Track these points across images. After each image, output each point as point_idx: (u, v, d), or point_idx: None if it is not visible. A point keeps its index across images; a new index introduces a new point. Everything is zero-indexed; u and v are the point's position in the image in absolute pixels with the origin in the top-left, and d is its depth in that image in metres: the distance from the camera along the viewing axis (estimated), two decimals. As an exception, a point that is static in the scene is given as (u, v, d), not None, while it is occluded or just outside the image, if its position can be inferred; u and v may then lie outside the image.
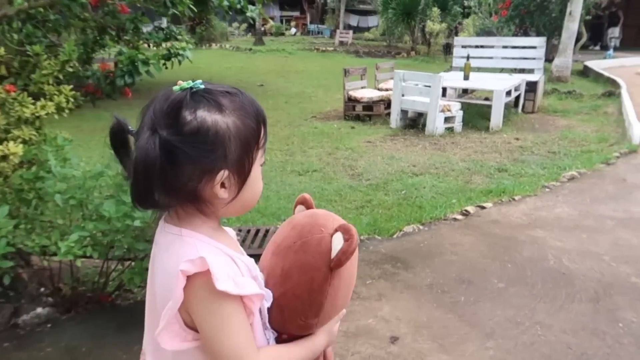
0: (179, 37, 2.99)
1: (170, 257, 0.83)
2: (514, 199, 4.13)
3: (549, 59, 12.58)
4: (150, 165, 0.77)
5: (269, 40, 21.45)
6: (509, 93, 7.51)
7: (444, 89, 7.33)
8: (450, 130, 6.75)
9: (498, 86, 7.06)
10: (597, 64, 14.63)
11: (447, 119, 6.76)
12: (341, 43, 20.56)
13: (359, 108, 7.55)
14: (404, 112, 6.98)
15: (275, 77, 12.61)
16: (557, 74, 11.27)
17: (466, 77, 7.85)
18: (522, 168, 5.14)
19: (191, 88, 0.81)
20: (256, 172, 0.88)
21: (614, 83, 10.94)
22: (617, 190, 4.42)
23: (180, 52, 2.76)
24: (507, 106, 8.19)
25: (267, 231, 3.45)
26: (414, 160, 5.42)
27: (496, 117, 6.95)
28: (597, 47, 21.58)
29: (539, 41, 8.83)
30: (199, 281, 0.78)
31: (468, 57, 8.07)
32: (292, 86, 11.08)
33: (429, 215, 3.77)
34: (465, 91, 7.61)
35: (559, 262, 3.02)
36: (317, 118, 7.78)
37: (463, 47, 9.41)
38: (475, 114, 7.39)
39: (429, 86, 6.59)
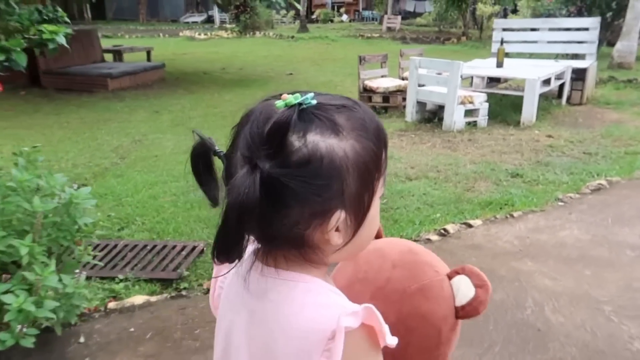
0: (58, 18, 2.46)
1: (297, 311, 0.64)
2: (512, 216, 3.33)
3: (611, 43, 11.15)
4: (248, 211, 0.57)
5: (315, 28, 20.82)
6: (547, 82, 6.50)
7: (472, 79, 6.44)
8: (472, 125, 5.88)
9: (531, 74, 6.08)
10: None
11: (469, 112, 5.90)
12: (389, 29, 19.57)
13: (375, 99, 6.81)
14: (421, 105, 6.18)
15: (309, 66, 12.03)
16: (618, 60, 9.88)
17: (499, 64, 6.87)
18: (543, 173, 4.27)
19: (299, 104, 0.60)
20: (375, 207, 0.68)
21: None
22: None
23: (50, 37, 2.22)
24: (547, 97, 7.19)
25: (193, 248, 2.91)
26: (415, 160, 4.67)
27: (528, 110, 5.99)
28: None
29: (592, 22, 7.63)
30: (360, 335, 0.61)
31: (502, 42, 7.07)
32: (322, 75, 10.45)
33: (399, 234, 3.08)
34: (497, 80, 6.64)
35: (538, 312, 2.26)
36: (331, 110, 7.13)
37: (504, 30, 8.37)
38: (509, 107, 6.44)
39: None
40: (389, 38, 17.99)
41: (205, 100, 7.86)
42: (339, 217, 0.62)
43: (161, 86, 9.30)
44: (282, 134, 0.58)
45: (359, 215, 0.65)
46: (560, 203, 3.54)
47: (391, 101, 6.64)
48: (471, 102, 5.83)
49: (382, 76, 7.20)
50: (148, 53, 11.48)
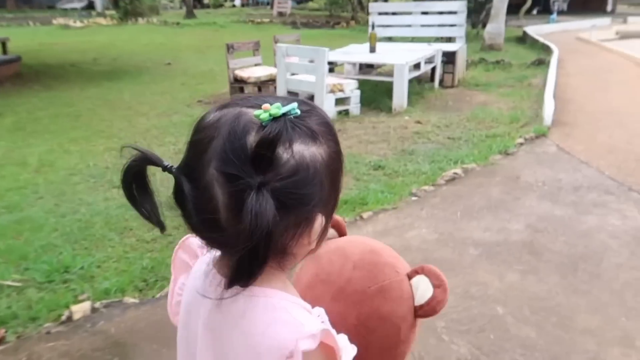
0: None
1: (257, 328, 0.61)
2: (361, 217, 3.08)
3: (483, 24, 11.57)
4: (269, 232, 0.54)
5: (204, 13, 19.81)
6: (417, 66, 6.44)
7: (332, 67, 6.19)
8: (344, 113, 5.65)
9: (400, 59, 5.96)
10: (537, 30, 13.74)
11: (341, 101, 5.66)
12: (280, 14, 19.11)
13: (248, 90, 6.37)
14: (292, 94, 5.83)
15: (191, 54, 11.27)
16: (489, 42, 10.26)
17: (372, 49, 6.71)
18: (405, 164, 4.10)
19: (285, 114, 0.57)
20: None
21: (548, 50, 10.00)
22: (502, 195, 3.43)
23: None
24: (421, 81, 7.17)
25: None
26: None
27: (398, 96, 5.87)
28: (535, 12, 20.60)
29: (460, 5, 7.71)
30: (316, 355, 0.59)
31: (373, 26, 6.91)
32: (203, 64, 9.78)
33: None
34: (371, 66, 6.47)
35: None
36: (203, 103, 6.57)
37: (380, 14, 8.26)
38: (384, 93, 6.28)
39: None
40: (280, 23, 17.53)
41: (63, 98, 6.95)
42: (321, 221, 0.62)
43: (14, 82, 8.14)
44: (273, 148, 0.56)
45: (329, 217, 0.65)
46: (414, 198, 3.36)
47: (263, 92, 6.22)
48: (341, 90, 5.58)
49: (256, 65, 6.75)
50: (2, 44, 10.05)
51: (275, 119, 0.57)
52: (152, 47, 12.52)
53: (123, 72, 9.18)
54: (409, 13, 8.11)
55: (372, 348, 0.78)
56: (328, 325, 0.62)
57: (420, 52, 6.68)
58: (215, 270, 0.66)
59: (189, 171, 0.59)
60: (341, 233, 0.93)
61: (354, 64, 6.06)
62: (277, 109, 0.57)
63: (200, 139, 0.59)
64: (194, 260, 0.77)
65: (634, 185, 3.59)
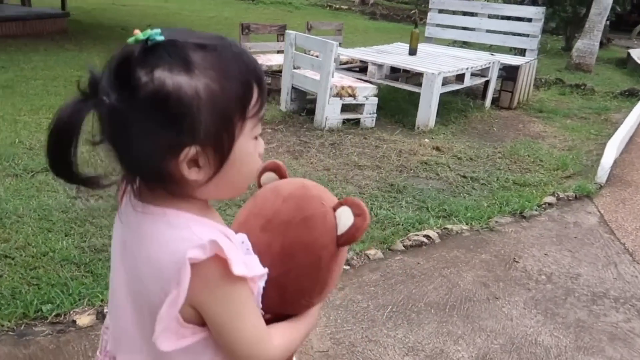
0: None
1: (159, 243, 0.65)
2: None
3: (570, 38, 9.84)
4: (68, 133, 0.59)
5: (286, -7, 19.13)
6: (460, 79, 5.25)
7: (364, 66, 5.16)
8: (354, 123, 4.64)
9: (432, 67, 4.82)
10: (646, 53, 11.56)
11: (352, 108, 4.66)
12: (363, 2, 17.99)
13: (261, 78, 5.54)
14: (299, 92, 4.91)
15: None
16: (577, 60, 8.60)
17: (412, 51, 5.60)
18: (380, 205, 3.07)
19: (147, 40, 0.60)
20: (245, 147, 0.67)
21: (651, 80, 8.20)
22: (475, 287, 2.33)
23: None
24: (469, 96, 5.96)
25: None
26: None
27: (424, 111, 4.75)
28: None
29: (536, 12, 6.32)
30: (209, 268, 0.63)
31: (416, 24, 5.76)
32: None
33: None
34: (406, 72, 5.37)
35: None
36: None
37: (440, 12, 7.04)
38: (414, 106, 5.16)
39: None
40: (359, 12, 16.46)
41: (81, 61, 6.52)
42: (188, 152, 0.62)
43: (53, 38, 7.89)
44: (127, 67, 0.58)
45: (219, 153, 0.64)
46: (345, 267, 2.36)
47: (272, 83, 5.35)
48: (352, 95, 4.58)
49: (278, 52, 5.89)
50: (62, -1, 9.95)
51: (138, 42, 0.60)
52: (216, 21, 12.07)
53: (166, 41, 8.71)
54: (474, 14, 6.82)
55: (292, 274, 0.81)
56: (220, 240, 0.62)
57: (468, 61, 5.47)
58: (129, 194, 0.70)
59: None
60: (281, 176, 0.92)
61: (379, 66, 5.01)
62: (142, 34, 0.60)
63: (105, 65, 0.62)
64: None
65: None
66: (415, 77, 5.33)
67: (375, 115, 4.77)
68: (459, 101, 5.74)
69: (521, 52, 6.93)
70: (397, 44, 6.40)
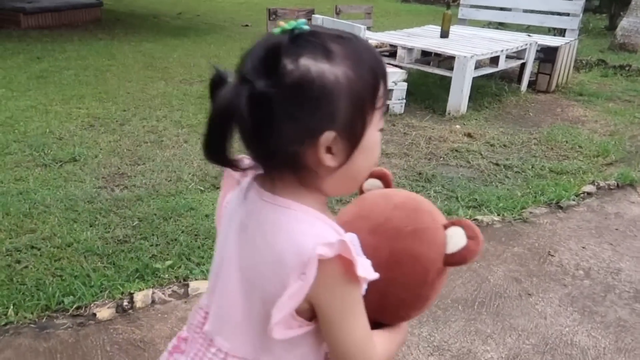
0: None
1: (284, 235, 0.67)
2: None
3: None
4: (228, 117, 0.61)
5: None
6: (495, 61, 5.02)
7: (394, 51, 4.98)
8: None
9: (464, 50, 4.61)
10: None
11: (380, 93, 4.51)
12: (395, -16, 17.50)
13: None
14: (326, 77, 4.80)
15: (277, 18, 10.53)
16: (621, 40, 8.11)
17: (444, 34, 5.38)
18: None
19: (293, 30, 0.63)
20: (372, 137, 0.69)
21: (701, 59, 7.66)
22: (505, 282, 2.20)
23: None
24: (503, 80, 5.71)
25: None
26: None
27: (455, 96, 4.57)
28: None
29: (577, -11, 5.97)
30: (333, 266, 0.64)
31: (448, 6, 5.51)
32: (281, 29, 8.99)
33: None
34: (438, 55, 5.16)
35: None
36: (240, 73, 5.79)
37: (475, -8, 6.74)
38: (446, 91, 4.96)
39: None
40: (391, -6, 16.06)
41: (112, 50, 6.56)
42: (329, 137, 0.64)
43: (87, 28, 8.00)
44: (275, 56, 0.61)
45: (352, 140, 0.66)
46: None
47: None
48: (381, 81, 4.43)
49: (307, 37, 5.78)
50: (97, -13, 10.08)
51: (284, 33, 0.63)
52: (246, 7, 12.02)
53: (197, 29, 8.71)
54: (511, -6, 6.49)
55: (397, 283, 0.79)
56: (349, 240, 0.63)
57: (503, 43, 5.21)
58: (253, 182, 0.72)
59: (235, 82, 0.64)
60: (387, 185, 0.92)
61: (409, 50, 4.83)
62: (288, 25, 0.63)
63: (244, 56, 0.64)
64: (244, 179, 0.78)
65: None
66: (447, 61, 5.13)
67: (405, 101, 4.61)
68: (493, 85, 5.49)
69: (561, 32, 6.57)
70: (429, 26, 6.18)
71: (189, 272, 2.15)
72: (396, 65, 4.80)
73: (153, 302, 1.91)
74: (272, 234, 0.68)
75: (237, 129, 0.63)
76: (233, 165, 0.67)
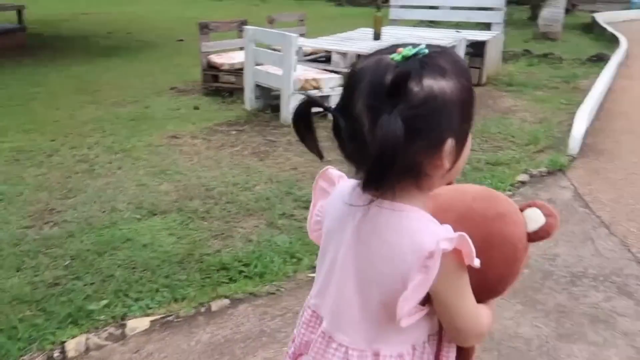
0: None
1: (402, 235, 0.75)
2: (209, 310, 2.02)
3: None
4: (397, 146, 0.67)
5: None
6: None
7: (329, 56, 4.99)
8: (322, 116, 4.45)
9: (396, 52, 4.68)
10: (612, 17, 11.58)
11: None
12: (328, -11, 17.66)
13: (225, 78, 5.36)
14: (263, 89, 4.74)
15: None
16: (543, 29, 8.54)
17: (376, 36, 5.45)
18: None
19: (415, 54, 0.71)
20: (469, 138, 0.79)
21: (616, 42, 8.16)
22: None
23: None
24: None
25: None
26: (192, 176, 3.29)
27: (392, 97, 4.61)
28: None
29: (498, -15, 6.20)
30: (451, 258, 0.73)
31: (378, 7, 5.60)
32: (217, 42, 8.83)
33: None
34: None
35: None
36: (176, 90, 5.63)
37: (403, -8, 6.88)
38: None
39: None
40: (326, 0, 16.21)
41: (37, 75, 6.23)
42: (451, 144, 0.72)
43: (11, 55, 7.54)
44: (405, 81, 0.68)
45: (462, 142, 0.76)
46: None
47: (236, 82, 5.16)
48: (317, 87, 4.42)
49: (241, 48, 5.69)
50: (18, 12, 9.55)
51: (407, 59, 0.70)
52: (180, 22, 11.75)
53: (129, 48, 8.43)
54: (437, -8, 6.68)
55: (493, 263, 0.85)
56: (464, 233, 0.71)
57: (434, 41, 5.31)
58: (359, 188, 0.76)
59: (343, 109, 0.74)
60: (449, 184, 0.93)
61: (343, 54, 4.86)
62: (408, 51, 0.70)
63: (351, 83, 0.73)
64: (332, 188, 0.89)
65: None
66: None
67: (343, 105, 4.62)
68: (428, 82, 5.61)
69: (488, 26, 6.82)
70: (362, 29, 6.24)
71: (126, 309, 2.04)
72: (332, 71, 4.80)
73: (87, 349, 1.79)
74: (390, 235, 0.75)
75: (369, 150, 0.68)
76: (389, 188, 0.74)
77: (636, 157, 3.58)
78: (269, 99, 4.82)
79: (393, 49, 0.72)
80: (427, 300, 0.77)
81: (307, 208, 2.57)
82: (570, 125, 4.11)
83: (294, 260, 2.39)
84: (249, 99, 4.74)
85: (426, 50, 0.70)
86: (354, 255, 0.79)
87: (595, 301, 2.19)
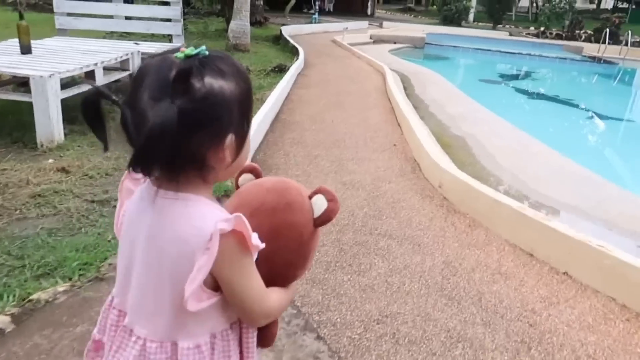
0: None
1: (185, 221, 0.80)
2: None
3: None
4: (167, 132, 0.71)
5: None
6: (91, 75, 4.40)
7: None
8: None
9: (44, 68, 3.84)
10: (296, 29, 12.88)
11: None
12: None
13: None
14: None
15: None
16: (234, 41, 8.73)
17: (25, 49, 4.42)
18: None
19: (197, 54, 0.78)
20: (248, 134, 0.88)
21: (297, 53, 8.92)
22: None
23: None
24: (121, 94, 5.12)
25: None
26: None
27: (44, 124, 3.75)
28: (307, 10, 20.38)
29: (171, -5, 5.88)
30: (231, 239, 0.78)
31: (21, 14, 4.59)
32: None
33: None
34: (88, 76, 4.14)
35: None
36: None
37: (68, -1, 5.92)
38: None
39: None
40: (9, 8, 13.43)
41: None
42: (231, 139, 0.81)
43: None
44: (187, 77, 0.74)
45: (241, 138, 0.84)
46: None
47: None
48: None
49: None
50: None
51: (189, 57, 0.77)
52: None
53: None
54: (110, 0, 5.96)
55: (281, 249, 0.94)
56: (240, 214, 0.78)
57: (102, 55, 4.64)
58: (150, 182, 0.83)
59: (130, 102, 0.77)
60: (257, 177, 1.06)
61: None
62: (190, 50, 0.78)
63: (137, 77, 0.77)
64: (137, 187, 0.90)
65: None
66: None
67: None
68: (103, 102, 4.88)
69: (170, 38, 6.46)
70: (12, 40, 5.05)
71: None
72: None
73: None
74: (176, 222, 0.79)
75: (149, 141, 0.71)
76: (156, 174, 0.79)
77: (300, 170, 3.66)
78: None
79: (179, 49, 0.78)
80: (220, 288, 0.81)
81: None
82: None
83: None
84: None
85: (207, 52, 0.78)
86: (147, 247, 0.82)
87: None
